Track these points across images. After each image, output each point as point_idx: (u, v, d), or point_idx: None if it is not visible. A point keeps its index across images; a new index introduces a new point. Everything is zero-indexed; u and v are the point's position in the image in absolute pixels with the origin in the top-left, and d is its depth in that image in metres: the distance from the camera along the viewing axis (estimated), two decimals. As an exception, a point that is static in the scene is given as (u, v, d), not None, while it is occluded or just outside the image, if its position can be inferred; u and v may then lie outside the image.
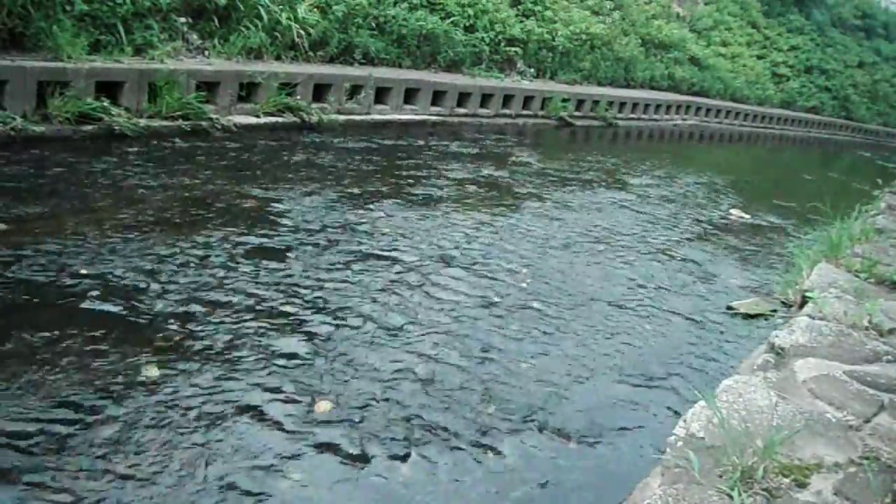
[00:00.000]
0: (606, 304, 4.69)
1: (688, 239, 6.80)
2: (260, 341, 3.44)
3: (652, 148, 14.33)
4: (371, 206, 5.92)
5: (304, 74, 8.80)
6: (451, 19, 11.88)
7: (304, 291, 4.06)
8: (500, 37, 12.98)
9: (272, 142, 7.65)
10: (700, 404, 2.32)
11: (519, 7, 13.96)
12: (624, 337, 4.22)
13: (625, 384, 3.65)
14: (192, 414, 2.81)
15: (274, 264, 4.37)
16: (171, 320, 3.49)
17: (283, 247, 4.70)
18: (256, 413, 2.90)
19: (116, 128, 6.48)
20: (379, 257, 4.80)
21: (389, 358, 3.49)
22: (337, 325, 3.73)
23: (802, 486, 1.98)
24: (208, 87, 7.64)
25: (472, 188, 7.26)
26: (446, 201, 6.53)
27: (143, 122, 6.79)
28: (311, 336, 3.58)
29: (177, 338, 3.34)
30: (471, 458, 2.84)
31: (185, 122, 7.13)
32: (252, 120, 7.99)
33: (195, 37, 8.20)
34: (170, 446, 2.61)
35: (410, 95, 10.49)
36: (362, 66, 10.16)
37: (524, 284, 4.78)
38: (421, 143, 9.30)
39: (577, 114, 13.84)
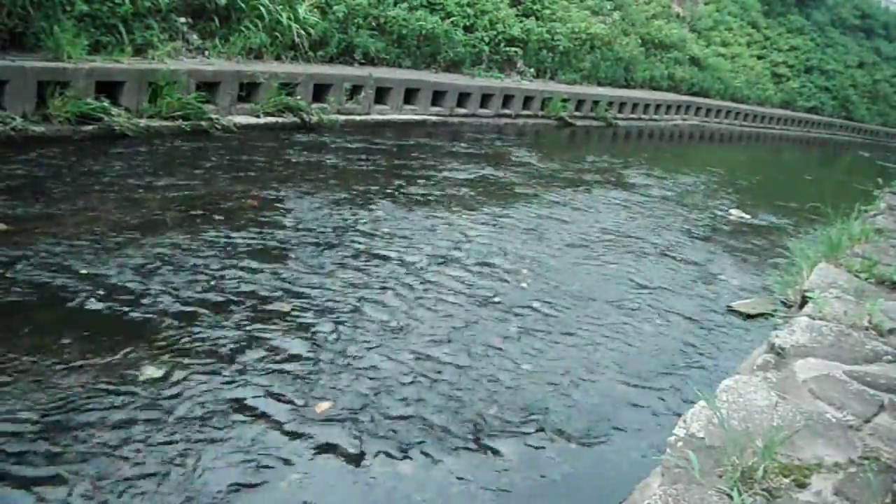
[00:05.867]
0: (606, 303, 4.68)
1: (688, 239, 6.80)
2: (260, 341, 3.44)
3: (652, 148, 14.33)
4: (371, 206, 5.93)
5: (304, 74, 8.80)
6: (451, 19, 11.89)
7: (304, 291, 4.06)
8: (500, 37, 12.99)
9: (272, 142, 7.65)
10: (700, 404, 2.32)
11: (519, 7, 13.96)
12: (624, 337, 4.22)
13: (625, 384, 3.65)
14: (192, 414, 2.81)
15: (274, 264, 4.37)
16: (171, 320, 3.49)
17: (283, 246, 4.70)
18: (256, 412, 2.89)
19: (116, 128, 6.49)
20: (379, 257, 4.80)
21: (390, 358, 3.48)
22: (337, 325, 3.73)
23: (802, 486, 1.98)
24: (208, 87, 7.65)
25: (471, 188, 7.26)
26: (446, 201, 6.53)
27: (143, 122, 6.79)
28: (311, 336, 3.58)
29: (177, 338, 3.34)
30: (471, 458, 2.84)
31: (186, 122, 7.14)
32: (252, 120, 7.99)
33: (195, 37, 8.20)
34: (170, 446, 2.61)
35: (410, 95, 10.50)
36: (362, 66, 10.16)
37: (524, 284, 4.78)
38: (421, 143, 9.30)
39: (577, 114, 13.85)
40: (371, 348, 3.55)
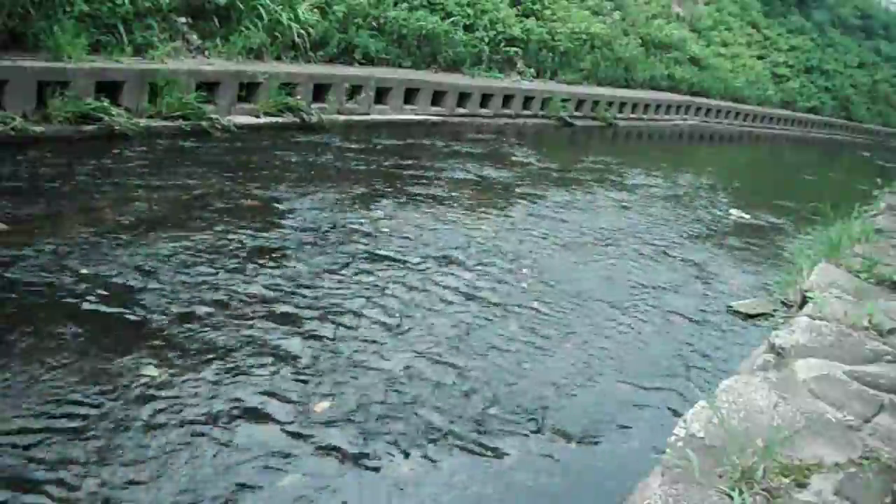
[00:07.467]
0: (607, 304, 4.68)
1: (688, 239, 6.80)
2: (260, 341, 3.44)
3: (652, 148, 14.33)
4: (371, 206, 5.92)
5: (304, 74, 8.81)
6: (451, 19, 11.89)
7: (304, 291, 4.06)
8: (500, 37, 12.99)
9: (272, 142, 7.65)
10: (700, 404, 2.32)
11: (519, 7, 13.96)
12: (624, 337, 4.22)
13: (625, 384, 3.65)
14: (192, 414, 2.81)
15: (274, 264, 4.37)
16: (171, 320, 3.48)
17: (283, 247, 4.70)
18: (256, 413, 2.89)
19: (116, 128, 6.49)
20: (379, 257, 4.79)
21: (390, 358, 3.48)
22: (337, 325, 3.73)
23: (802, 486, 1.98)
24: (208, 87, 7.65)
25: (472, 188, 7.26)
26: (446, 201, 6.53)
27: (143, 122, 6.80)
28: (311, 336, 3.58)
29: (177, 338, 3.34)
30: (471, 458, 2.84)
31: (185, 122, 7.14)
32: (252, 120, 7.99)
33: (195, 37, 8.21)
34: (169, 446, 2.61)
35: (410, 95, 10.50)
36: (362, 67, 10.16)
37: (525, 284, 4.78)
38: (421, 143, 9.30)
39: (577, 114, 13.85)
40: (371, 348, 3.55)
